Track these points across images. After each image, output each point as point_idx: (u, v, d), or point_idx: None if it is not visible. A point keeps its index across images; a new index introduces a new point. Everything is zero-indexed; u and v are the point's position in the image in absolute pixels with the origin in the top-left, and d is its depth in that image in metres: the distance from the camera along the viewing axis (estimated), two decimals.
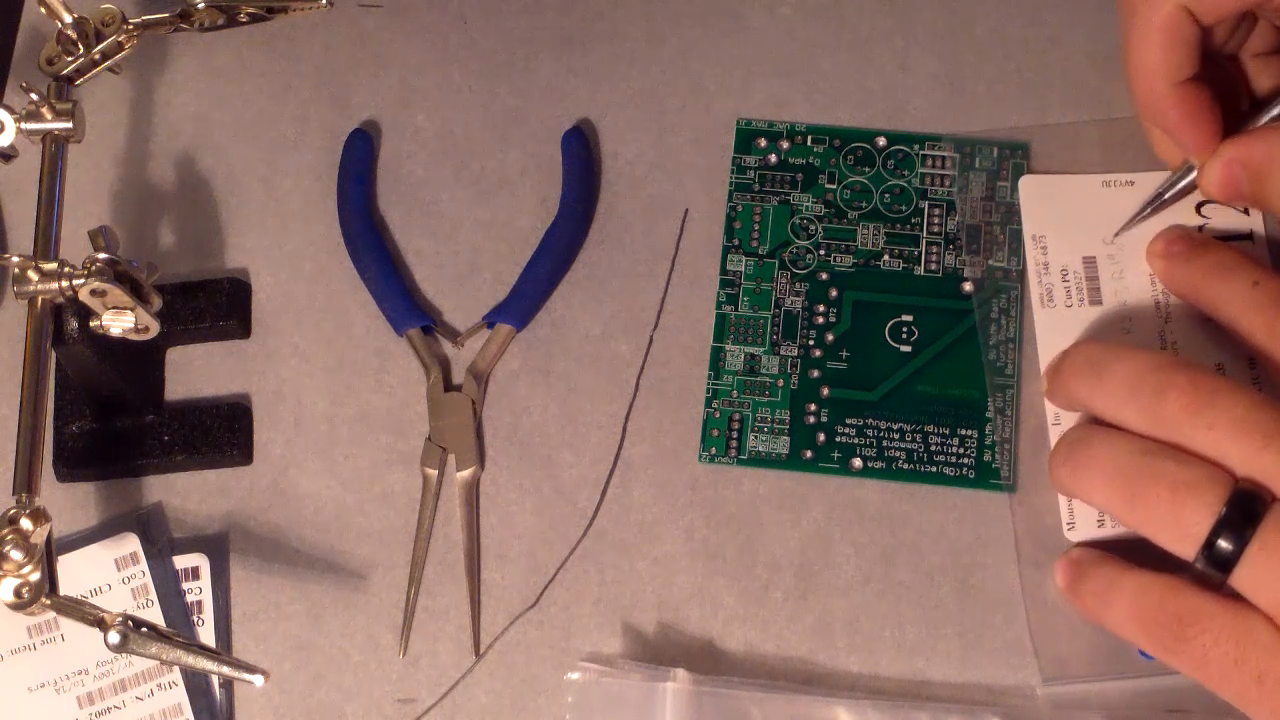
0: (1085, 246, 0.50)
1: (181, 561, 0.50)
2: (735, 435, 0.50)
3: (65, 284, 0.45)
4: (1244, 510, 0.39)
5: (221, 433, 0.52)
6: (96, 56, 0.51)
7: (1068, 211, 0.51)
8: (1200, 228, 0.49)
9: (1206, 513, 0.40)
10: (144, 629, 0.42)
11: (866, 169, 0.53)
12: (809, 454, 0.50)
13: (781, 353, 0.51)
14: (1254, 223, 0.50)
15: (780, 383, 0.51)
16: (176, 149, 0.56)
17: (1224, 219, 0.49)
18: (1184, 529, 0.40)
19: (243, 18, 0.53)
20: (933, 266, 0.52)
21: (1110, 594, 0.43)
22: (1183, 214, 0.50)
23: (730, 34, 0.56)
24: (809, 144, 0.54)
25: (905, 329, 0.51)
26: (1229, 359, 0.47)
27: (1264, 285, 0.44)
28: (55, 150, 0.48)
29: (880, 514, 0.49)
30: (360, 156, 0.55)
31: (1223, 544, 0.39)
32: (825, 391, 0.51)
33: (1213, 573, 0.40)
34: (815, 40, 0.55)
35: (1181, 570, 0.41)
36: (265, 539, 0.51)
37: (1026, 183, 0.51)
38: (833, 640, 0.48)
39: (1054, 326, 0.49)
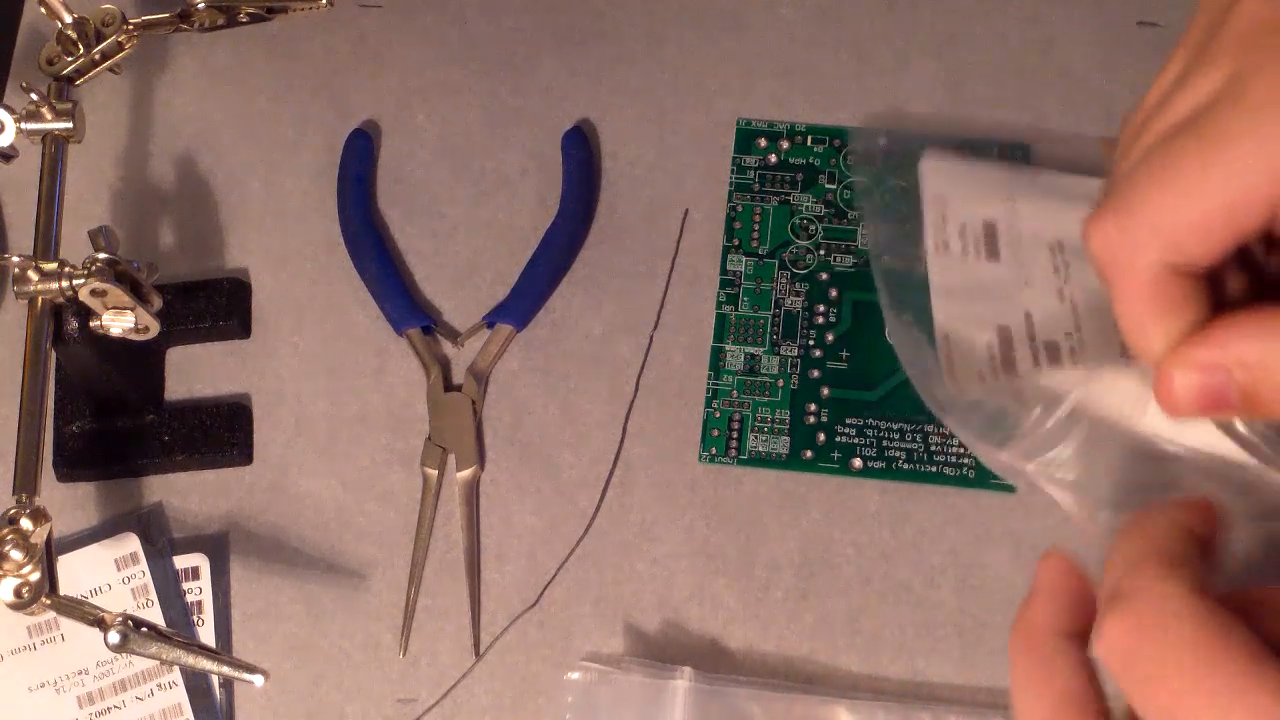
0: (986, 214, 0.48)
1: (181, 561, 0.50)
2: (735, 435, 0.50)
3: (65, 284, 0.45)
4: None
5: (221, 433, 0.52)
6: (96, 56, 0.51)
7: (968, 185, 0.49)
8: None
9: None
10: (144, 629, 0.42)
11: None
12: (809, 454, 0.50)
13: (781, 353, 0.51)
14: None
15: (780, 383, 0.51)
16: (176, 149, 0.56)
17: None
18: None
19: (243, 18, 0.53)
20: None
21: None
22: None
23: (730, 34, 0.56)
24: (809, 144, 0.54)
25: None
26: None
27: None
28: (55, 150, 0.48)
29: (880, 514, 0.49)
30: (360, 156, 0.55)
31: None
32: (825, 391, 0.50)
33: None
34: (815, 40, 0.55)
35: None
36: (265, 539, 0.51)
37: (928, 164, 0.50)
38: (833, 640, 0.48)
39: (949, 274, 0.47)
